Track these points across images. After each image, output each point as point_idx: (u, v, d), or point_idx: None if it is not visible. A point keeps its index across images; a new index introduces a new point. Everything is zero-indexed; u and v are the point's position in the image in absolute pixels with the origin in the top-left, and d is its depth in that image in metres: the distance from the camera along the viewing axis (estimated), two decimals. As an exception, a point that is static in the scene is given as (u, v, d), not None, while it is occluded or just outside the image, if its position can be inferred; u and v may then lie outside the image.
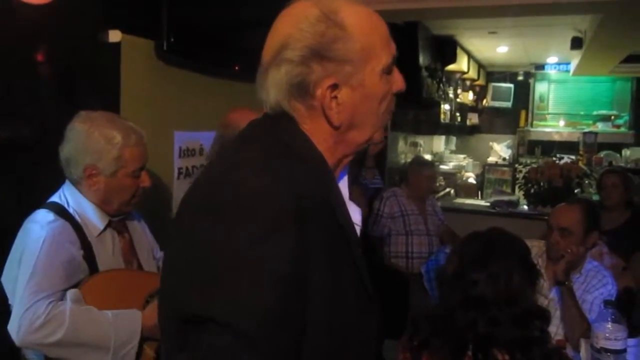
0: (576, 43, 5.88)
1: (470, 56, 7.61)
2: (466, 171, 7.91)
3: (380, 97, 1.03)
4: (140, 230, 2.05)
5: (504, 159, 8.38)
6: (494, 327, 1.57)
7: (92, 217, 1.82)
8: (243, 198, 0.88)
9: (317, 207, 0.93)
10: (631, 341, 1.96)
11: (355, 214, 1.06)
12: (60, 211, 1.76)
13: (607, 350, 1.88)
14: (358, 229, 1.07)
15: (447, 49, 6.47)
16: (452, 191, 6.87)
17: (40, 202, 1.82)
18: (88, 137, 1.78)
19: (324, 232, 0.92)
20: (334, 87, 0.97)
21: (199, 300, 0.85)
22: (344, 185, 1.08)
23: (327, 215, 0.95)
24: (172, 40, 2.55)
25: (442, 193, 6.48)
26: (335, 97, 0.98)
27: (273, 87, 0.98)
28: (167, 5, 2.53)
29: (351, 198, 1.09)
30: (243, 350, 0.83)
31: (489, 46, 7.17)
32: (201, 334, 0.85)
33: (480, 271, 1.64)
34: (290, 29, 0.97)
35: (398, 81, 1.06)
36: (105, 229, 1.85)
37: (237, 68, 3.04)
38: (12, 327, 1.61)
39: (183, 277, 0.89)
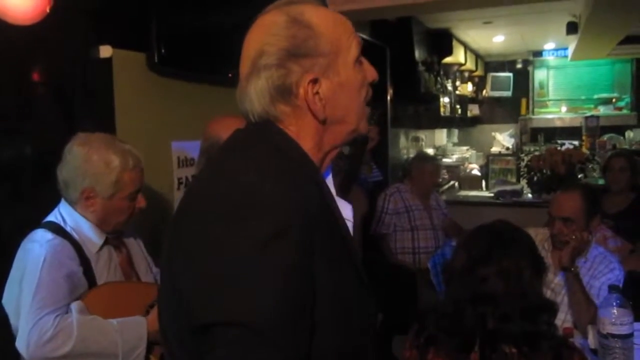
0: (571, 28, 5.86)
1: (466, 47, 7.60)
2: (470, 163, 7.88)
3: (358, 86, 1.09)
4: (136, 245, 2.07)
5: (508, 149, 8.36)
6: (504, 323, 1.56)
7: (89, 234, 1.84)
8: (253, 201, 0.91)
9: (315, 206, 0.97)
10: (638, 325, 1.95)
11: (345, 210, 1.10)
12: (58, 230, 1.78)
13: (613, 336, 1.87)
14: (350, 224, 1.10)
15: (442, 42, 6.48)
16: (456, 184, 6.86)
17: (37, 220, 1.83)
18: (87, 161, 1.79)
19: (323, 229, 0.96)
20: (314, 82, 1.02)
21: (211, 306, 0.87)
22: (330, 183, 1.12)
23: (324, 214, 0.99)
24: (163, 51, 2.55)
25: (446, 186, 6.47)
26: (317, 93, 1.03)
27: (256, 96, 1.03)
28: (156, 17, 2.54)
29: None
30: (259, 346, 0.85)
31: (485, 36, 7.16)
32: (214, 340, 0.87)
33: (489, 267, 1.62)
34: (262, 37, 1.03)
35: (370, 70, 1.12)
36: (103, 245, 1.87)
37: (230, 75, 3.04)
38: (21, 344, 1.64)
39: (194, 288, 0.91)
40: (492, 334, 1.56)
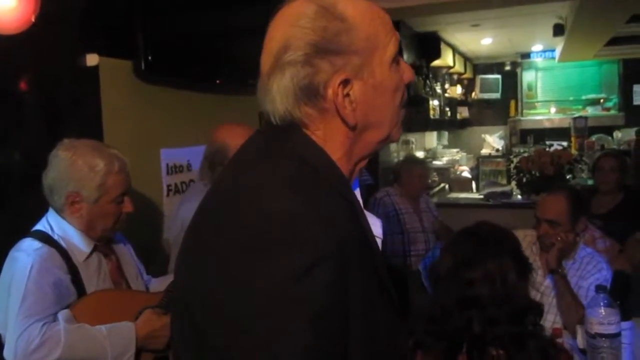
0: (558, 30, 5.91)
1: (455, 50, 7.64)
2: (460, 165, 7.91)
3: (394, 89, 0.97)
4: (126, 252, 2.07)
5: (497, 150, 8.41)
6: (490, 325, 1.57)
7: (77, 242, 1.84)
8: (282, 232, 0.81)
9: (349, 229, 0.87)
10: (625, 324, 1.96)
11: (376, 226, 1.01)
12: (45, 238, 1.78)
13: (601, 335, 1.87)
14: (379, 242, 1.01)
15: (430, 45, 6.51)
16: (447, 186, 6.87)
17: (24, 229, 1.83)
18: (71, 165, 1.79)
19: (356, 255, 0.86)
20: (345, 83, 0.91)
21: (236, 349, 0.79)
22: (358, 196, 1.02)
23: (356, 235, 0.89)
24: (150, 58, 2.56)
25: (436, 189, 6.48)
26: (348, 95, 0.91)
27: (279, 96, 0.91)
28: (143, 24, 2.54)
29: None
30: None
31: (473, 39, 7.20)
32: None
33: (474, 271, 1.63)
34: (288, 29, 0.91)
35: (407, 71, 1.00)
36: (91, 253, 1.86)
37: (218, 81, 3.04)
38: (8, 353, 1.63)
39: (216, 326, 0.82)
40: (479, 337, 1.57)
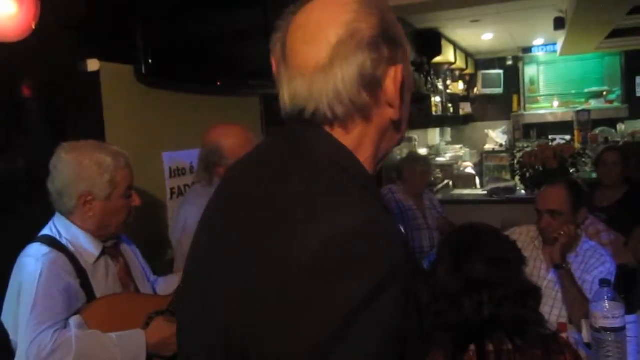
0: (559, 23, 5.90)
1: (456, 46, 7.63)
2: (464, 161, 7.90)
3: (412, 86, 0.96)
4: (132, 255, 2.08)
5: (501, 145, 8.39)
6: (499, 305, 1.58)
7: (85, 245, 1.84)
8: (347, 248, 0.74)
9: (398, 240, 0.82)
10: (630, 317, 1.96)
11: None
12: (53, 243, 1.78)
13: (606, 329, 1.88)
14: None
15: (431, 41, 6.50)
16: (450, 183, 6.86)
17: (29, 235, 1.83)
18: (79, 166, 1.81)
19: (405, 266, 0.81)
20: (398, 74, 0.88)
21: None
22: None
23: (404, 248, 0.83)
24: (151, 62, 2.56)
25: (440, 185, 6.48)
26: None
27: (343, 84, 0.84)
28: (142, 28, 2.55)
29: None
30: None
31: (474, 34, 7.19)
32: None
33: (478, 258, 1.65)
34: (348, 15, 0.84)
35: None
36: (100, 255, 1.87)
37: (218, 83, 3.05)
38: None
39: (272, 348, 0.75)
40: (490, 320, 1.57)
